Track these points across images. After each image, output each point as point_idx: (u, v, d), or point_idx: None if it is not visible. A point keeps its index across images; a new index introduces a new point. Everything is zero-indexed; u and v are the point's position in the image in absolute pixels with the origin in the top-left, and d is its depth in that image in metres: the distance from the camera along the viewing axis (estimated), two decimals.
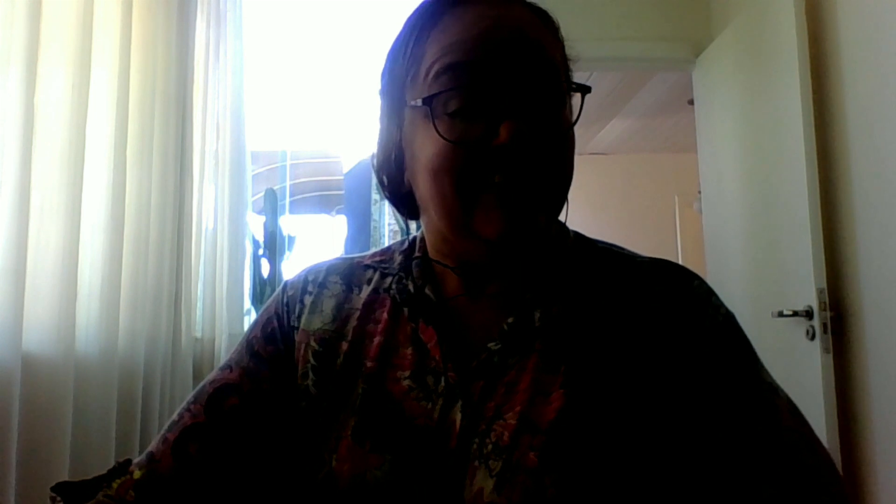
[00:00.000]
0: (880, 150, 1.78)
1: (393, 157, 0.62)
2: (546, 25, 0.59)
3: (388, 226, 3.79)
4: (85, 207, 1.51)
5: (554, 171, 0.56)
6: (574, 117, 0.59)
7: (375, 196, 4.01)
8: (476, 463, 0.53)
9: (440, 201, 0.56)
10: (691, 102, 2.93)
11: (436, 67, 0.55)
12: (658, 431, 0.54)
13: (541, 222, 0.56)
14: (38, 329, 1.40)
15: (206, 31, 2.08)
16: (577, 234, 0.66)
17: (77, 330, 1.49)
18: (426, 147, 0.56)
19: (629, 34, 2.67)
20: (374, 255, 0.70)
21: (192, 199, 1.96)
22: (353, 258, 0.70)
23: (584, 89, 0.57)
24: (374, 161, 0.64)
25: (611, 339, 0.57)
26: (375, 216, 4.12)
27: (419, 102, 0.55)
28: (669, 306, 0.59)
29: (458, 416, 0.55)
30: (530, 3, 0.60)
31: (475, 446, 0.54)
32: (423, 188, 0.58)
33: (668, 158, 5.34)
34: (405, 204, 0.64)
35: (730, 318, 0.60)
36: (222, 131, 2.10)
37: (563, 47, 0.60)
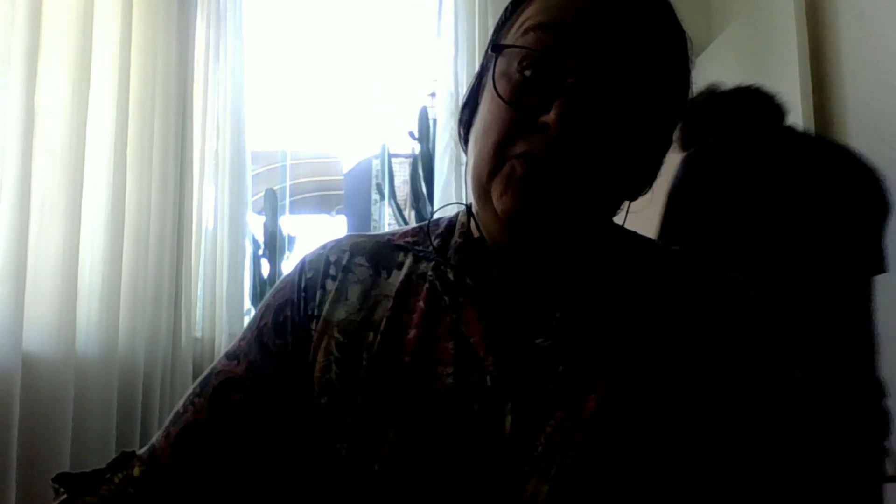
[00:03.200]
0: (880, 150, 1.78)
1: (468, 110, 0.61)
2: (669, 30, 0.57)
3: (388, 226, 3.79)
4: (85, 207, 1.52)
5: (593, 164, 0.52)
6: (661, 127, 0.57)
7: (375, 196, 4.01)
8: (529, 465, 0.51)
9: (476, 159, 0.55)
10: None
11: (528, 23, 0.54)
12: (703, 423, 0.54)
13: (560, 213, 0.53)
14: (38, 329, 1.40)
15: (206, 31, 2.08)
16: (618, 226, 0.64)
17: (77, 330, 1.49)
18: (486, 102, 0.56)
19: None
20: (404, 234, 0.65)
21: (192, 199, 1.96)
22: (380, 235, 0.66)
23: (673, 106, 0.56)
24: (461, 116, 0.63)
25: (657, 334, 0.56)
26: (375, 216, 4.12)
27: (491, 49, 0.55)
28: (710, 295, 0.59)
29: (508, 418, 0.53)
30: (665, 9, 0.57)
31: (527, 447, 0.52)
32: (471, 146, 0.58)
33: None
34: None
35: (763, 307, 0.60)
36: (222, 131, 2.10)
37: (681, 59, 0.59)
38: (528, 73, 0.53)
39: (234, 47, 2.14)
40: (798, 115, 1.94)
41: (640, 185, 0.61)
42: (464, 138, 0.62)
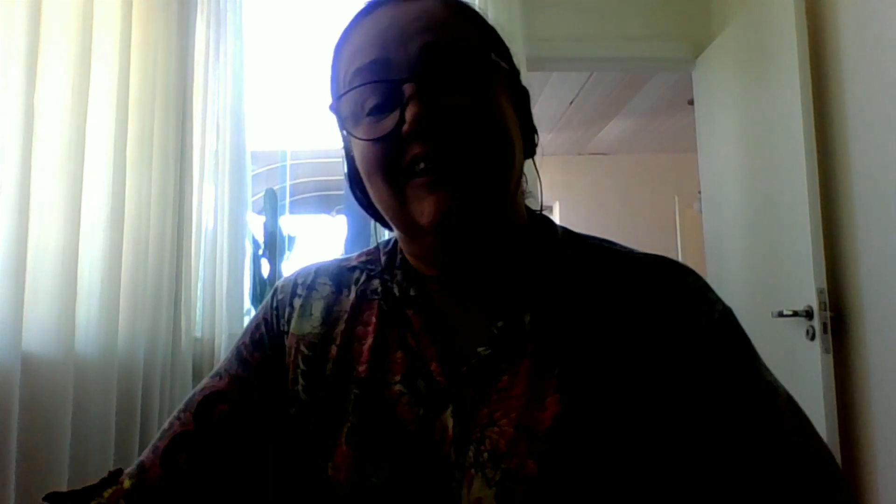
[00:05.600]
0: (880, 150, 1.78)
1: (352, 180, 0.63)
2: (459, 13, 0.59)
3: None
4: (85, 207, 1.51)
5: (479, 148, 0.53)
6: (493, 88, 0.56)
7: None
8: (472, 471, 0.52)
9: (381, 200, 0.57)
10: (691, 102, 2.92)
11: (347, 78, 0.57)
12: (656, 434, 0.53)
13: (479, 202, 0.54)
14: (37, 329, 1.40)
15: (206, 31, 2.08)
16: (565, 230, 0.65)
17: (77, 330, 1.48)
18: (358, 155, 0.58)
19: (629, 34, 2.67)
20: (360, 255, 0.69)
21: (192, 199, 1.96)
22: (342, 260, 0.70)
23: (494, 68, 0.56)
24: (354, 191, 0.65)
25: (605, 340, 0.56)
26: None
27: (330, 109, 0.58)
28: (663, 304, 0.57)
29: (450, 423, 0.54)
30: None
31: (471, 454, 0.53)
32: (372, 195, 0.59)
33: (668, 158, 5.34)
34: (380, 219, 0.64)
35: (727, 314, 0.58)
36: (222, 131, 2.10)
37: (484, 31, 0.60)
38: (375, 108, 0.55)
39: (234, 47, 2.14)
40: (798, 116, 1.95)
41: (520, 150, 0.59)
42: (367, 206, 0.64)
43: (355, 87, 0.55)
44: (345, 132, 0.61)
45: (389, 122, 0.53)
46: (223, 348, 1.99)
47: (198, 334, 2.02)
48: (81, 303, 1.52)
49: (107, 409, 1.55)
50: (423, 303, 0.60)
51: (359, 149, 0.57)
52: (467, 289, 0.60)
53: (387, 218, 0.59)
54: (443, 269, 0.60)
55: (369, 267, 0.66)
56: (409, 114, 0.51)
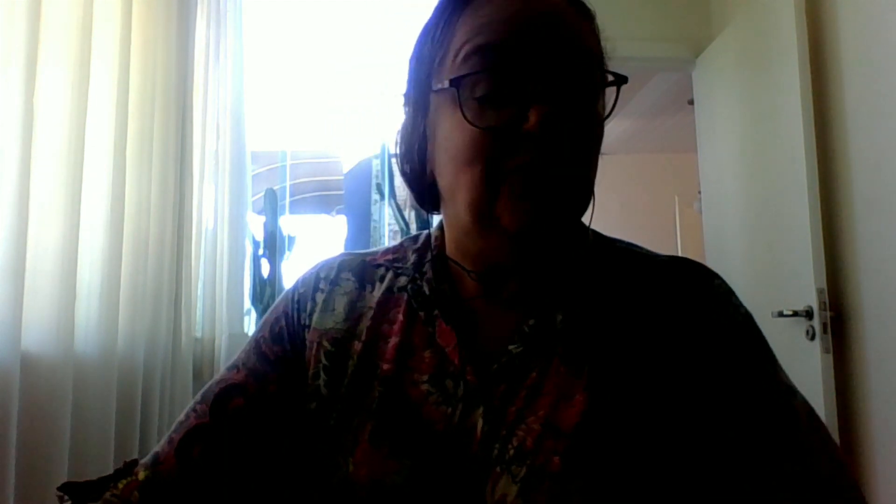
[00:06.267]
0: (880, 150, 1.78)
1: (416, 146, 0.60)
2: (580, 13, 0.57)
3: (388, 226, 3.78)
4: (85, 207, 1.51)
5: (582, 162, 0.54)
6: (608, 110, 0.56)
7: (375, 196, 4.01)
8: (498, 468, 0.52)
9: (467, 191, 0.54)
10: (691, 102, 2.93)
11: (465, 49, 0.53)
12: (679, 432, 0.53)
13: (565, 218, 0.54)
14: (37, 329, 1.40)
15: (206, 31, 2.08)
16: (595, 232, 0.65)
17: (76, 330, 1.48)
18: (453, 134, 0.54)
19: (629, 34, 2.67)
20: (385, 252, 0.68)
21: (192, 199, 1.96)
22: (364, 254, 0.68)
23: (621, 79, 0.55)
24: (397, 150, 0.63)
25: (632, 340, 0.56)
26: (375, 216, 4.11)
27: (446, 84, 0.54)
28: (689, 305, 0.58)
29: (480, 422, 0.54)
30: None
31: (496, 451, 0.53)
32: (449, 178, 0.56)
33: (668, 158, 5.34)
34: (426, 196, 0.62)
35: (748, 318, 0.59)
36: (222, 131, 2.10)
37: (598, 38, 0.59)
38: (487, 95, 0.52)
39: (234, 47, 2.14)
40: (798, 116, 1.95)
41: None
42: (409, 174, 0.62)
43: (476, 73, 0.52)
44: (436, 99, 0.57)
45: (505, 115, 0.52)
46: (223, 348, 1.99)
47: (198, 334, 2.02)
48: (81, 303, 1.52)
49: (106, 409, 1.54)
50: (453, 301, 0.60)
51: (459, 133, 0.53)
52: (502, 287, 0.59)
53: (458, 205, 0.55)
54: (490, 268, 0.59)
55: (396, 265, 0.65)
56: (534, 115, 0.50)
